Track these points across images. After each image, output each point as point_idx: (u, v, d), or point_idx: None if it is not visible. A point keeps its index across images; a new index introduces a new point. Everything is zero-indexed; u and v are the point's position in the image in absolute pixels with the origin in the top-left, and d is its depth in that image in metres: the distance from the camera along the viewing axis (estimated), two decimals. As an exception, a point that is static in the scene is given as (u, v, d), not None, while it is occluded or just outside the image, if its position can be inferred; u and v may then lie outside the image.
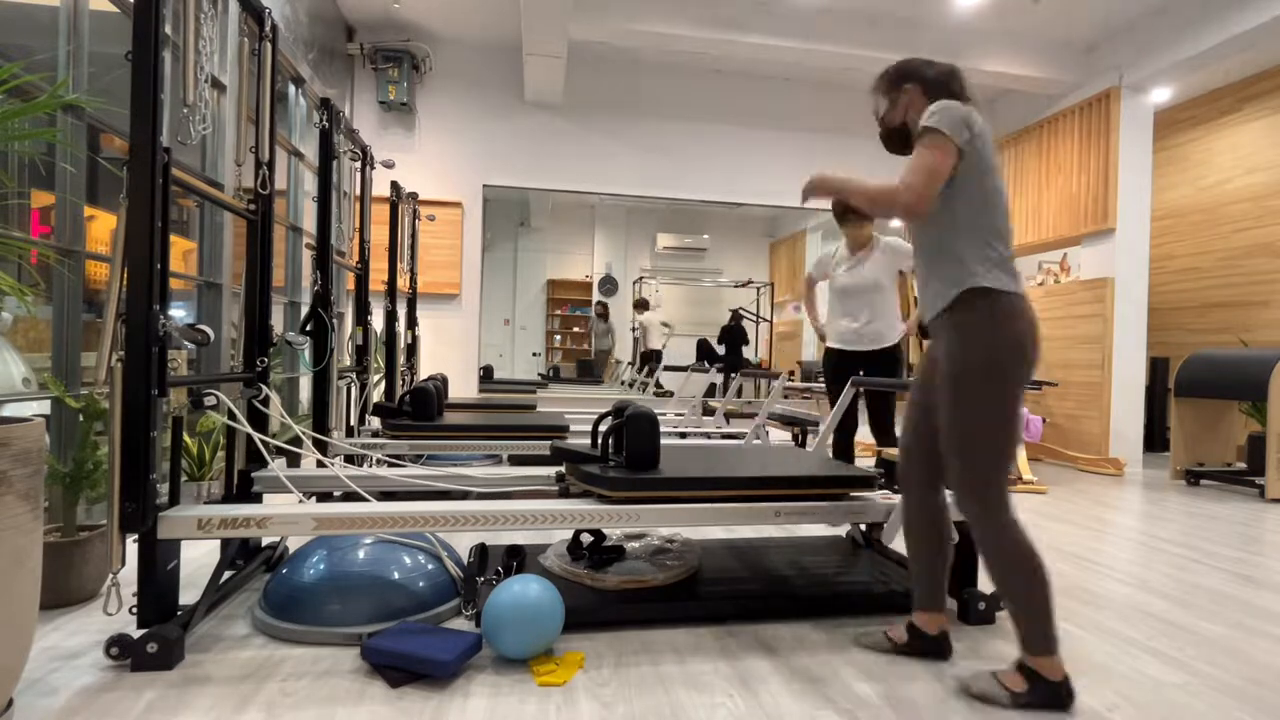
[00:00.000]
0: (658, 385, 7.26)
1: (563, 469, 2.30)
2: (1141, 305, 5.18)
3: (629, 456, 1.98)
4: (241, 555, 2.19)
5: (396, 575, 1.86)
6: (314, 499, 2.39)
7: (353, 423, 3.40)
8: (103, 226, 2.63)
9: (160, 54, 1.61)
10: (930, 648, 1.74)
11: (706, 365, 5.95)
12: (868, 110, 6.32)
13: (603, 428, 2.59)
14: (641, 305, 9.11)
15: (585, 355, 10.07)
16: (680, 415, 4.90)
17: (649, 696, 1.54)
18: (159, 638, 1.59)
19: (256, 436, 2.14)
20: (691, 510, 1.90)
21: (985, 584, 2.37)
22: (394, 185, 4.07)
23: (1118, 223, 5.12)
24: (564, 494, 2.14)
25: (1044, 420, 4.51)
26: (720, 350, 8.50)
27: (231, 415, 1.99)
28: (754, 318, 9.65)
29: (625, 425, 1.99)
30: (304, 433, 2.39)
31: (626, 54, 5.75)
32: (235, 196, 2.15)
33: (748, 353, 8.88)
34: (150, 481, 1.61)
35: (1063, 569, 2.60)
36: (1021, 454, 4.46)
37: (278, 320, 4.32)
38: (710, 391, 7.97)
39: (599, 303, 9.92)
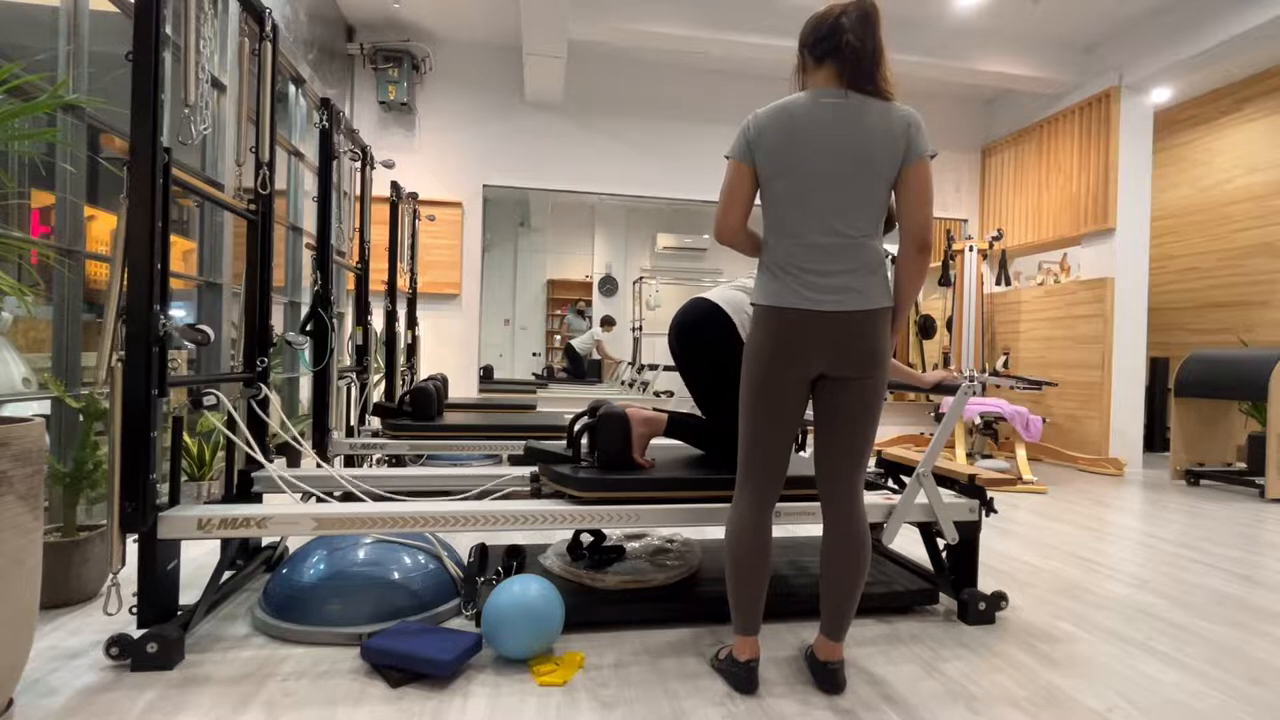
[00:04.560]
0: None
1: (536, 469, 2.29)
2: (1141, 305, 5.18)
3: (600, 456, 1.97)
4: (241, 555, 2.19)
5: (396, 575, 1.86)
6: (314, 499, 2.39)
7: (353, 423, 3.40)
8: (103, 226, 2.63)
9: (160, 54, 1.61)
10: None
11: None
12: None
13: (578, 427, 2.58)
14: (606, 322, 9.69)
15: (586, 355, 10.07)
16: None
17: (649, 697, 1.54)
18: (159, 638, 1.59)
19: (251, 441, 2.14)
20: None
21: (985, 584, 2.38)
22: (394, 185, 4.07)
23: (1118, 223, 5.12)
24: (535, 494, 2.13)
25: (1044, 420, 4.51)
26: None
27: (230, 419, 1.99)
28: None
29: (597, 425, 1.98)
30: (296, 439, 2.39)
31: (626, 54, 5.75)
32: (235, 196, 2.15)
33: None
34: (150, 481, 1.61)
35: (1063, 569, 2.60)
36: (1021, 454, 4.47)
37: (278, 320, 4.32)
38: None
39: (581, 300, 10.12)
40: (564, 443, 2.22)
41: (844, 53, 1.50)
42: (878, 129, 1.48)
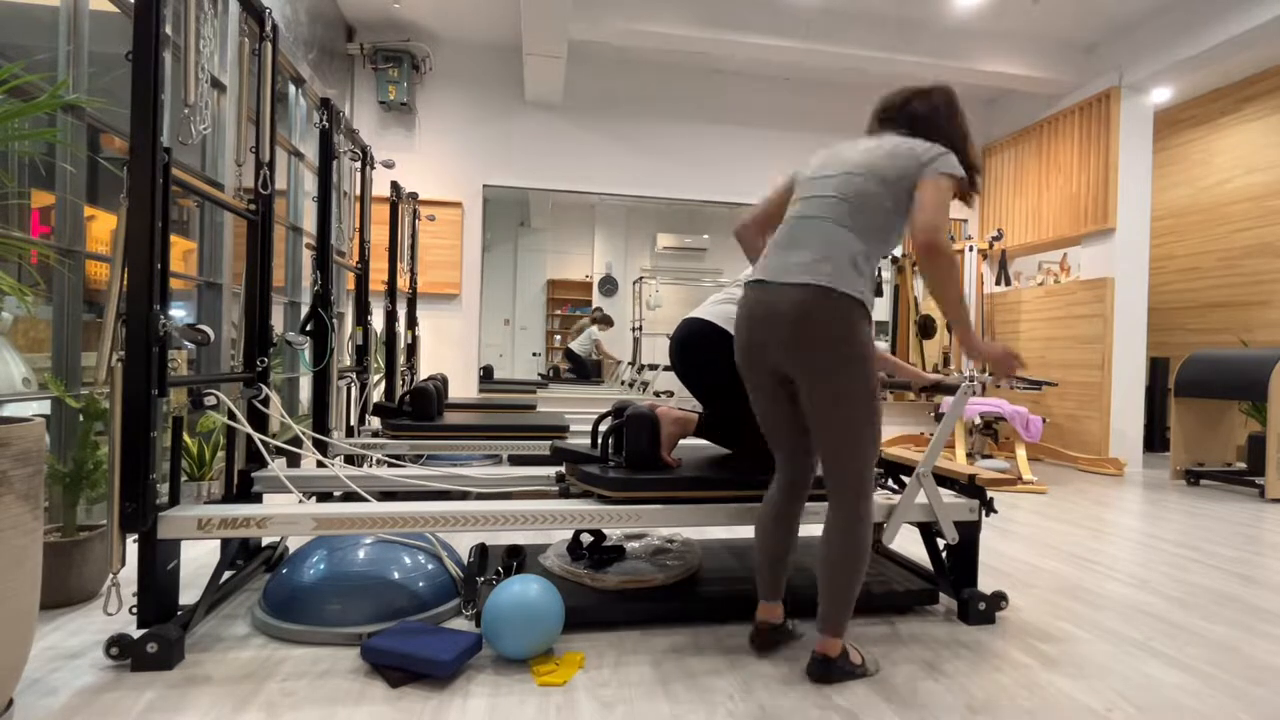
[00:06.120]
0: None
1: (563, 469, 2.30)
2: (1141, 305, 5.18)
3: (629, 456, 1.98)
4: (241, 555, 2.19)
5: (396, 575, 1.86)
6: (314, 499, 2.39)
7: (353, 423, 3.40)
8: (103, 226, 2.63)
9: (160, 54, 1.61)
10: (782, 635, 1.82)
11: None
12: (868, 110, 6.30)
13: (603, 428, 2.59)
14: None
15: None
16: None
17: (649, 697, 1.54)
18: (159, 638, 1.59)
19: (256, 436, 2.14)
20: (691, 510, 1.90)
21: (985, 584, 2.38)
22: (394, 185, 4.07)
23: (1118, 223, 5.11)
24: (564, 494, 2.14)
25: (1044, 420, 4.51)
26: None
27: (231, 415, 1.99)
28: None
29: (625, 425, 1.99)
30: (304, 433, 2.39)
31: (626, 54, 5.75)
32: (235, 196, 2.15)
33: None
34: (150, 481, 1.61)
35: (1063, 569, 2.61)
36: (1021, 454, 4.46)
37: (278, 320, 4.32)
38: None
39: (585, 304, 10.17)
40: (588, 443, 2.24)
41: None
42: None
